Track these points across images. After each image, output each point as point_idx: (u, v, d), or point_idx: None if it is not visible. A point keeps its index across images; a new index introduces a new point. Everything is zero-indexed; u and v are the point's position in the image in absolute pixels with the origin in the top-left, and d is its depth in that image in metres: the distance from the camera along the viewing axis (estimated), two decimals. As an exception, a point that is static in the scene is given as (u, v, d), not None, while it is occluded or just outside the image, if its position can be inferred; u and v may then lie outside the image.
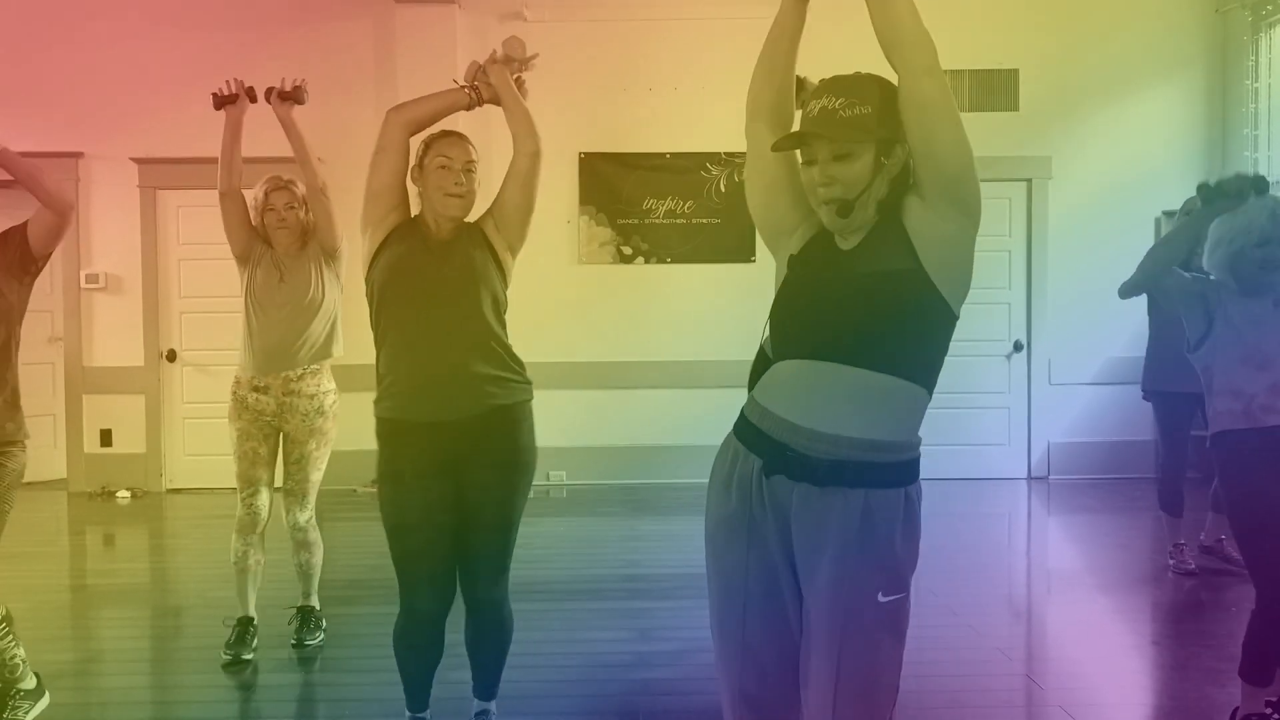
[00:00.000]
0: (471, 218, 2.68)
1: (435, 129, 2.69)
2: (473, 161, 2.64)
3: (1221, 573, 4.49)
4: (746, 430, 1.80)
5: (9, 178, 2.76)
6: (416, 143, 2.68)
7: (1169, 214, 6.99)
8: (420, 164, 2.60)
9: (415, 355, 2.48)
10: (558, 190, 6.90)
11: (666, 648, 3.62)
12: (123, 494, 6.69)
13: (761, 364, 1.89)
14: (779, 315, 1.82)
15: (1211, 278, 2.86)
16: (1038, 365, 6.98)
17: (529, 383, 2.66)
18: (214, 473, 6.99)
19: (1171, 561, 4.52)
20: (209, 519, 6.04)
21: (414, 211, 2.67)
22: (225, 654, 3.55)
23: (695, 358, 6.69)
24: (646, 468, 6.95)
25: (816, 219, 1.79)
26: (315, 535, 3.80)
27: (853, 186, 1.69)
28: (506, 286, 2.63)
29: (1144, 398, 4.67)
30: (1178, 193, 7.05)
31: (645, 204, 6.95)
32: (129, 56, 6.90)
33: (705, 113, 6.95)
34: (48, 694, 3.09)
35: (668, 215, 6.95)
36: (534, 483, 2.64)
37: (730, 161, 6.93)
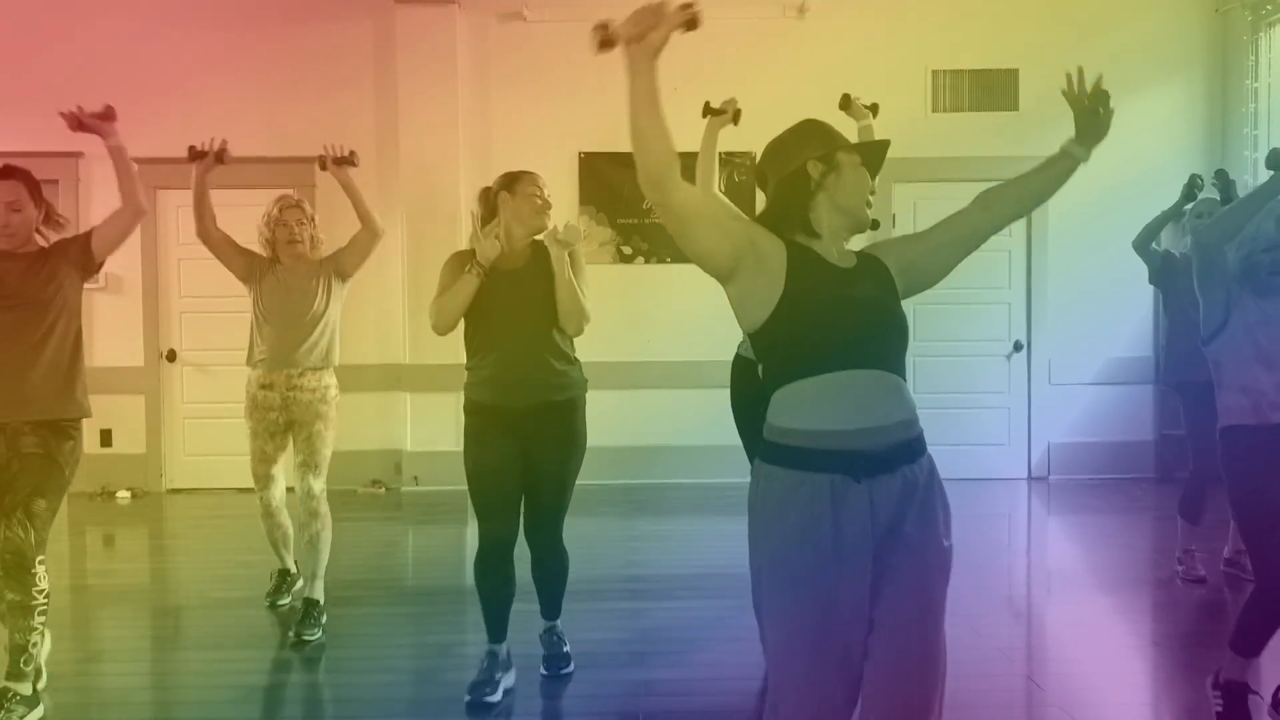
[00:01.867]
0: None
1: (514, 169, 3.35)
2: (545, 191, 3.34)
3: (1238, 581, 4.28)
4: (806, 457, 1.88)
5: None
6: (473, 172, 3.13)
7: (1169, 214, 6.99)
8: (511, 192, 3.27)
9: (499, 360, 3.19)
10: (558, 190, 6.85)
11: (666, 648, 3.62)
12: (123, 494, 6.69)
13: (747, 373, 2.07)
14: (800, 331, 1.92)
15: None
16: (1038, 365, 6.98)
17: (584, 380, 3.35)
18: (214, 473, 6.99)
19: (1180, 568, 4.39)
20: (209, 519, 6.04)
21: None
22: (265, 600, 4.18)
23: (695, 358, 6.68)
24: (646, 468, 6.95)
25: (769, 244, 1.97)
26: (325, 508, 3.96)
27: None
28: None
29: (1175, 389, 4.51)
30: (1178, 193, 7.06)
31: (645, 204, 6.94)
32: (129, 56, 6.90)
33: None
34: (42, 706, 3.02)
35: (668, 215, 6.95)
36: None
37: (730, 161, 6.93)
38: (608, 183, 6.92)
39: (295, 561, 4.24)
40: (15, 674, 2.93)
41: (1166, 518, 5.30)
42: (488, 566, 3.23)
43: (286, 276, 4.00)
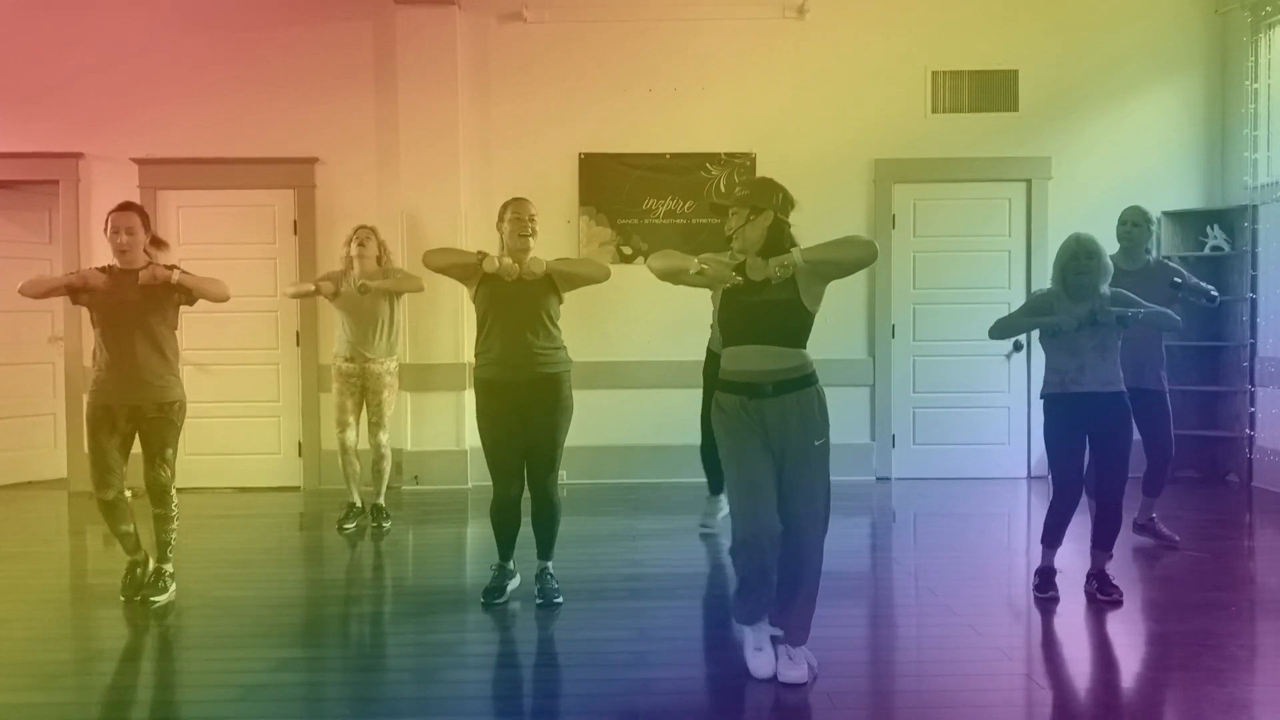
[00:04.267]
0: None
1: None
2: (533, 216, 4.17)
3: (1166, 549, 5.06)
4: (729, 385, 3.32)
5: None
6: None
7: (1169, 214, 6.98)
8: (502, 219, 4.18)
9: (503, 347, 4.05)
10: (558, 190, 6.90)
11: (666, 648, 3.62)
12: (123, 494, 6.67)
13: (711, 359, 3.66)
14: (728, 320, 3.33)
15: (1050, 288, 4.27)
16: (1037, 365, 6.96)
17: (569, 360, 4.19)
18: (214, 473, 6.99)
19: (1144, 535, 5.22)
20: (209, 519, 6.04)
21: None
22: (336, 526, 5.68)
23: (695, 358, 6.66)
24: (646, 468, 6.95)
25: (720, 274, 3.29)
26: (388, 451, 5.76)
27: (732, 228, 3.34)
28: (560, 302, 4.19)
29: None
30: (1178, 193, 7.06)
31: (645, 204, 6.95)
32: (129, 56, 6.91)
33: (705, 113, 6.95)
34: (175, 584, 4.34)
35: (668, 215, 6.96)
36: (565, 481, 4.25)
37: (730, 161, 6.94)
38: (608, 183, 6.93)
39: (360, 496, 5.75)
40: (164, 559, 4.32)
41: (1166, 518, 5.30)
42: (502, 513, 4.18)
43: (358, 282, 5.50)
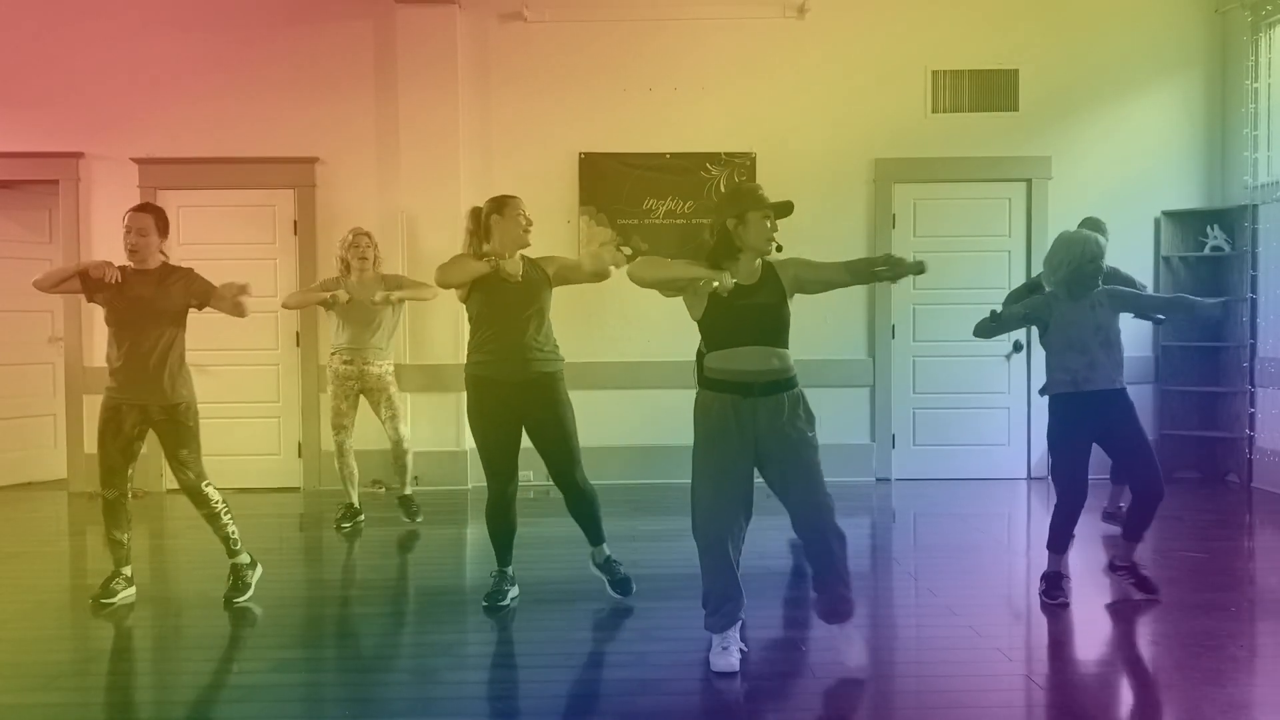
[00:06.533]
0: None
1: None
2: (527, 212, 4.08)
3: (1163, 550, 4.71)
4: (720, 385, 3.37)
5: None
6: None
7: (1169, 214, 6.99)
8: (501, 215, 4.01)
9: (496, 345, 3.99)
10: (558, 190, 6.90)
11: (666, 648, 3.62)
12: (123, 494, 6.67)
13: (701, 358, 3.53)
14: (719, 324, 3.38)
15: (1047, 290, 4.16)
16: (1037, 365, 6.97)
17: (562, 359, 4.15)
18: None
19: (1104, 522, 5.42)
20: (209, 519, 6.03)
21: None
22: (341, 527, 5.67)
23: (694, 358, 6.69)
24: (646, 468, 6.95)
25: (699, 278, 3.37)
26: (409, 444, 5.87)
27: (776, 236, 3.39)
28: (550, 296, 4.14)
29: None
30: (1178, 193, 7.07)
31: (645, 204, 6.95)
32: (129, 56, 6.91)
33: (705, 113, 6.95)
34: (260, 566, 4.45)
35: (668, 215, 6.96)
36: (534, 483, 4.44)
37: (730, 161, 6.93)
38: (608, 183, 6.93)
39: (358, 496, 5.80)
40: (234, 553, 4.35)
41: (1166, 518, 5.30)
42: (496, 513, 4.09)
43: (356, 288, 5.61)
